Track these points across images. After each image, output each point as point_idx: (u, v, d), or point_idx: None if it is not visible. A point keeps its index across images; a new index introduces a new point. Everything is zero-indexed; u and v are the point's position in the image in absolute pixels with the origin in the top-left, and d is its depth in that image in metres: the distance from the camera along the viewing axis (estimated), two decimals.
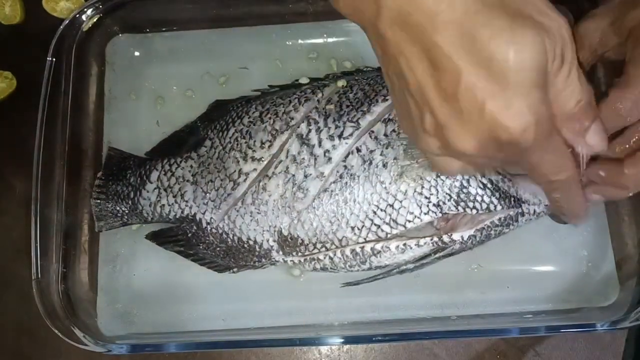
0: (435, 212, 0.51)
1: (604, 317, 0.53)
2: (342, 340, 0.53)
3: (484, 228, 0.52)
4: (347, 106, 0.54)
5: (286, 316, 0.57)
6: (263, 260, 0.56)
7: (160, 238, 0.58)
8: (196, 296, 0.58)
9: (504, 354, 0.58)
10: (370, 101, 0.54)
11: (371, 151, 0.52)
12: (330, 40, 0.63)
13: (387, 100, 0.54)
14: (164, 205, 0.57)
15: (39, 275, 0.54)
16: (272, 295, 0.58)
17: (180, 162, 0.58)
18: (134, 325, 0.58)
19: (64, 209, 0.58)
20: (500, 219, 0.52)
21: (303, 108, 0.55)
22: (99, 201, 0.59)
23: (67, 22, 0.59)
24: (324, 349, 0.59)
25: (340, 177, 0.52)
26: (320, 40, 0.63)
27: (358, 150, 0.52)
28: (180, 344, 0.54)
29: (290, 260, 0.55)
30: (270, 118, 0.56)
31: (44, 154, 0.56)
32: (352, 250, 0.53)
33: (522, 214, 0.53)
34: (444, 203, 0.51)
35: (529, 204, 0.52)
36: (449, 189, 0.51)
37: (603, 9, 0.44)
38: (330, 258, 0.54)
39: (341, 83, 0.56)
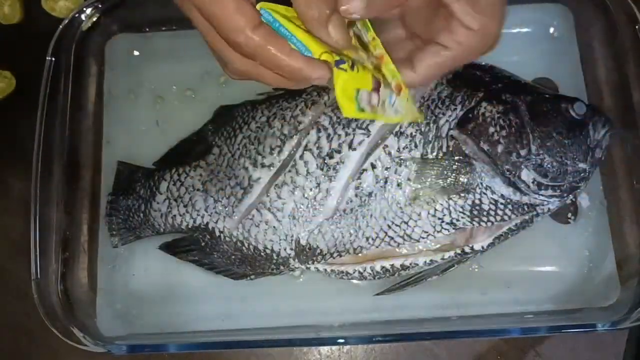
0: (449, 229, 0.53)
1: (605, 318, 0.53)
2: (342, 340, 0.53)
3: (501, 235, 0.54)
4: None
5: (286, 316, 0.57)
6: (281, 267, 0.56)
7: (173, 248, 0.58)
8: (196, 296, 0.58)
9: (505, 354, 0.58)
10: None
11: (386, 168, 0.52)
12: None
13: None
14: (175, 215, 0.57)
15: (39, 276, 0.53)
16: (272, 295, 0.57)
17: (189, 171, 0.58)
18: (133, 325, 0.58)
19: (64, 209, 0.58)
20: (516, 224, 0.54)
21: (310, 112, 0.55)
22: (112, 217, 0.59)
23: (66, 21, 0.59)
24: (324, 349, 0.58)
25: (358, 192, 0.53)
26: None
27: (373, 167, 0.53)
28: (179, 344, 0.54)
29: (315, 268, 0.55)
30: (277, 122, 0.56)
31: (44, 154, 0.56)
32: (382, 267, 0.54)
33: (537, 215, 0.54)
34: (458, 220, 0.52)
35: (542, 205, 0.53)
36: (462, 208, 0.52)
37: None
38: (360, 272, 0.54)
39: None
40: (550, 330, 0.54)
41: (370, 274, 0.54)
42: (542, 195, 0.52)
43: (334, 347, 0.58)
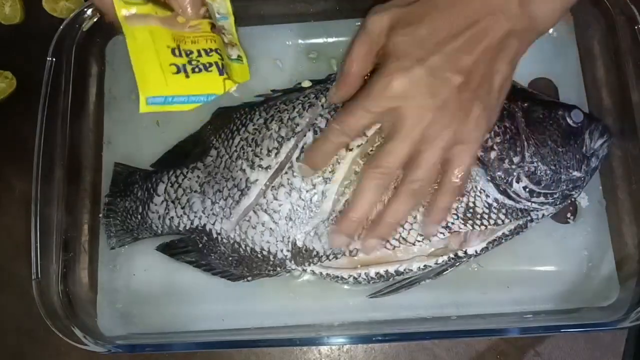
0: (444, 233, 0.53)
1: (604, 317, 0.53)
2: (342, 340, 0.53)
3: (495, 239, 0.54)
4: None
5: (286, 316, 0.57)
6: (278, 269, 0.56)
7: (171, 250, 0.58)
8: (196, 296, 0.58)
9: (504, 354, 0.58)
10: None
11: None
12: (330, 40, 0.63)
13: None
14: (172, 217, 0.57)
15: (39, 275, 0.54)
16: (271, 295, 0.57)
17: (187, 172, 0.58)
18: (134, 325, 0.58)
19: (64, 209, 0.58)
20: (510, 229, 0.54)
21: (307, 114, 0.55)
22: (109, 219, 0.59)
23: (67, 22, 0.59)
24: (324, 349, 0.59)
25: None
26: (320, 40, 0.63)
27: None
28: (180, 344, 0.54)
29: (310, 270, 0.55)
30: (275, 125, 0.56)
31: (44, 154, 0.56)
32: (377, 273, 0.54)
33: (532, 220, 0.54)
34: (452, 223, 0.52)
35: (537, 211, 0.53)
36: (455, 210, 0.52)
37: (388, 5, 0.47)
38: (355, 278, 0.54)
39: None
40: (550, 330, 0.54)
41: (365, 279, 0.54)
42: (534, 202, 0.52)
43: (334, 347, 0.58)
